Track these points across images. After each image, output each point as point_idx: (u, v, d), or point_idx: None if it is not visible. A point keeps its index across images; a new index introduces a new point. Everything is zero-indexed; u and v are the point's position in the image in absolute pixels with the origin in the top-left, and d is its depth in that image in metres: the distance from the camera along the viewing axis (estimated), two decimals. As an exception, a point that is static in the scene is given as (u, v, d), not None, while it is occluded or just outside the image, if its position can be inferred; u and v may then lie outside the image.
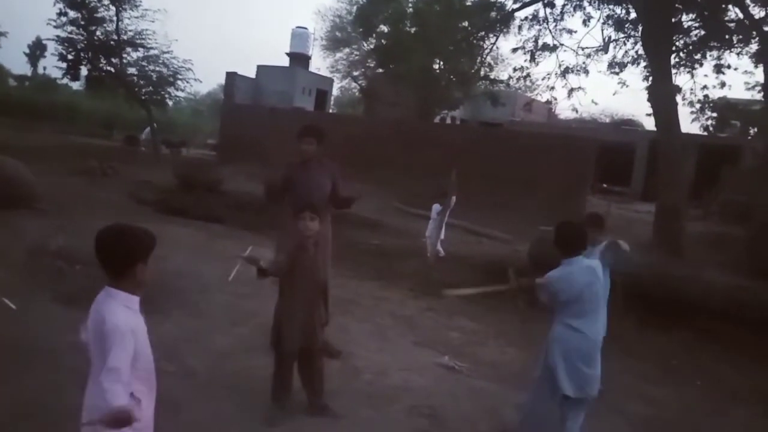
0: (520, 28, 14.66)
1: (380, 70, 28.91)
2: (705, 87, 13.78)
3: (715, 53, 13.09)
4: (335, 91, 41.43)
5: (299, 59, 34.17)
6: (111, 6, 22.94)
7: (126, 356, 2.11)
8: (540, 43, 14.42)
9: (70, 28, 22.87)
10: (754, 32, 11.80)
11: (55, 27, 22.73)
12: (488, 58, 19.21)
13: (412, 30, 22.04)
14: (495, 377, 5.10)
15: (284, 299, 3.85)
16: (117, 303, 2.18)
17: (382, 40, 25.45)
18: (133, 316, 2.21)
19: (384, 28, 25.13)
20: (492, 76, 22.73)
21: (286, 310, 3.82)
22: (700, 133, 24.23)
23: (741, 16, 11.93)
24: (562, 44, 14.35)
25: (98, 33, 23.27)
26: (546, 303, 3.92)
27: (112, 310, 2.16)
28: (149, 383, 2.30)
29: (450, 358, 5.39)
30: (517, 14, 14.59)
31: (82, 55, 23.37)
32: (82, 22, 22.83)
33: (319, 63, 68.82)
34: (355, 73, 36.67)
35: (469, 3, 14.88)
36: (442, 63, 24.07)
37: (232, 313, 5.81)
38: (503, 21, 14.51)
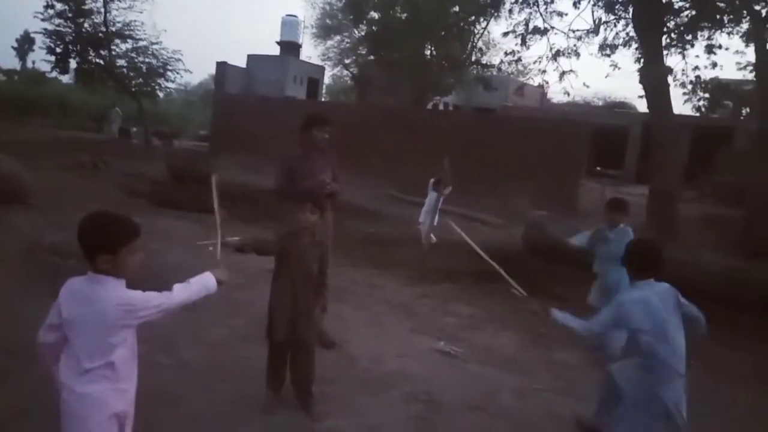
0: (510, 11, 14.62)
1: (372, 57, 28.81)
2: (696, 68, 13.78)
3: (706, 33, 13.08)
4: (327, 80, 41.37)
5: (290, 48, 34.06)
6: (98, -3, 22.75)
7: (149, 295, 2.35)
8: (531, 26, 14.38)
9: (57, 20, 22.71)
10: (745, 11, 11.77)
11: (43, 20, 22.56)
12: (480, 43, 19.16)
13: (403, 16, 21.94)
14: (491, 361, 5.12)
15: (274, 289, 3.85)
16: (116, 285, 2.25)
17: (373, 27, 25.34)
18: None
19: (375, 15, 25.00)
20: (484, 61, 22.69)
21: (275, 300, 3.82)
22: (693, 114, 24.31)
23: (732, -5, 11.90)
24: (552, 27, 14.32)
25: (86, 25, 23.10)
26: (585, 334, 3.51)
27: (120, 292, 2.25)
28: (133, 358, 2.39)
29: (446, 343, 5.41)
30: (507, -3, 14.53)
31: (70, 47, 23.20)
32: (70, 15, 22.65)
33: (310, 51, 68.64)
34: (347, 61, 36.49)
35: (459, -13, 14.82)
36: (433, 49, 23.99)
37: (226, 304, 5.80)
38: (494, 5, 14.44)
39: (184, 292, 2.49)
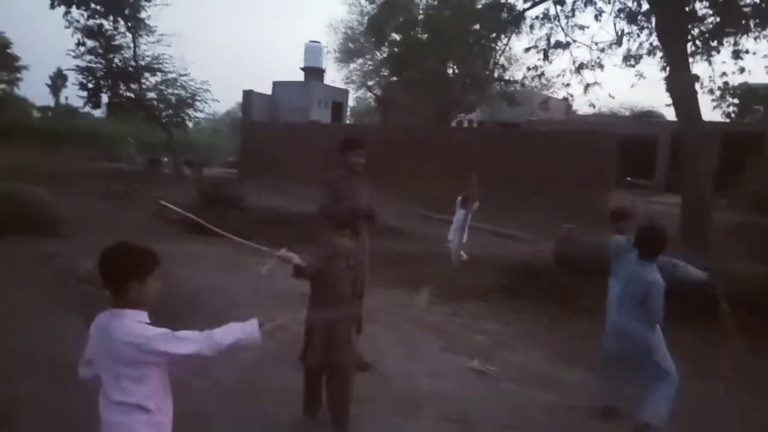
0: (531, 27, 14.57)
1: (394, 78, 29.02)
2: (724, 74, 13.55)
3: (731, 39, 12.88)
4: (351, 102, 41.70)
5: (314, 73, 34.48)
6: (127, 33, 23.48)
7: (179, 335, 2.19)
8: (552, 41, 14.30)
9: (89, 57, 23.53)
10: (771, 15, 11.59)
11: (75, 57, 23.38)
12: (501, 59, 19.18)
13: (424, 36, 22.09)
14: (523, 379, 5.06)
15: (311, 313, 3.85)
16: (129, 320, 2.19)
17: (395, 48, 25.57)
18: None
19: (396, 37, 25.25)
20: (506, 77, 22.69)
21: (311, 324, 3.82)
22: (723, 120, 23.92)
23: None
24: (575, 40, 14.22)
25: (116, 60, 23.83)
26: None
27: (131, 326, 2.17)
28: (166, 390, 2.33)
29: (480, 362, 5.35)
30: (527, 14, 14.52)
31: (102, 82, 23.94)
32: (101, 51, 23.40)
33: (334, 75, 69.58)
34: (370, 83, 36.87)
35: (479, 6, 14.84)
36: (455, 67, 24.10)
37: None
38: (514, 21, 14.45)
39: (227, 336, 2.27)
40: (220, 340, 2.23)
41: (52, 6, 22.26)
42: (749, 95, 16.69)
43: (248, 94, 29.88)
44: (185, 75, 24.70)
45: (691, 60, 12.46)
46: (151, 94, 24.84)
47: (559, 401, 4.62)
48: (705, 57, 13.36)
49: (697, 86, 12.65)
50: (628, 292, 4.22)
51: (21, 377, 4.20)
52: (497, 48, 16.66)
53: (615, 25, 13.76)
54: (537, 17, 14.43)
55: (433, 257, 10.15)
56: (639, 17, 13.36)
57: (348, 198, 4.83)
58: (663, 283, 4.06)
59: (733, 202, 18.16)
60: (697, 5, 12.38)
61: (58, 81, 57.01)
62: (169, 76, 24.64)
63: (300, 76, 34.66)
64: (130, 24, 23.19)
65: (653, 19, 12.57)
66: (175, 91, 24.86)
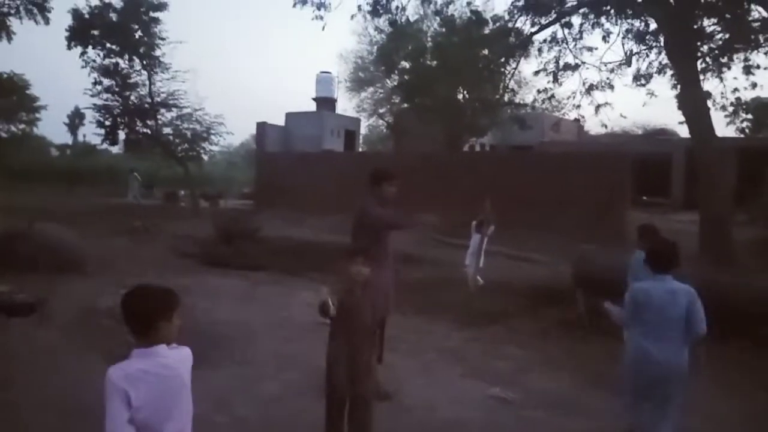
0: (540, 50, 14.68)
1: (405, 105, 29.27)
2: (736, 89, 13.53)
3: (741, 55, 12.89)
4: (363, 130, 42.10)
5: (326, 103, 34.96)
6: (143, 71, 23.97)
7: None
8: (561, 63, 14.38)
9: (105, 95, 23.98)
10: (780, 29, 11.59)
11: (92, 96, 23.86)
12: (511, 83, 19.24)
13: (433, 63, 22.29)
14: (546, 405, 4.99)
15: (332, 346, 3.84)
16: (170, 352, 2.30)
17: (405, 76, 25.82)
18: None
19: (405, 64, 25.52)
20: (517, 100, 22.75)
21: (333, 357, 3.81)
22: (737, 136, 23.78)
23: (765, 14, 11.75)
24: (583, 62, 14.29)
25: (132, 98, 24.30)
26: (620, 321, 4.23)
27: (178, 354, 2.33)
28: None
29: (501, 389, 5.30)
30: (535, 37, 14.62)
31: (118, 120, 24.36)
32: (117, 89, 23.89)
33: (345, 104, 70.08)
34: (381, 111, 37.21)
35: (486, 31, 14.96)
36: (466, 92, 24.27)
37: (279, 358, 5.85)
38: (522, 45, 14.55)
39: None
40: None
41: (69, 47, 22.89)
42: (763, 110, 16.59)
43: (262, 126, 30.32)
44: (200, 109, 25.06)
45: (702, 77, 12.47)
46: (167, 130, 25.20)
47: (583, 427, 4.55)
48: (716, 74, 13.36)
49: (709, 103, 12.64)
50: (663, 312, 3.83)
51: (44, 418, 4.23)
52: (506, 72, 16.73)
53: (623, 45, 13.82)
54: (545, 40, 14.54)
55: (450, 283, 10.11)
56: (647, 37, 13.42)
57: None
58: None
59: (752, 217, 17.96)
60: (705, 22, 12.42)
61: (75, 119, 58.28)
62: (185, 111, 25.00)
63: (312, 107, 35.13)
64: (145, 62, 23.69)
65: (662, 38, 12.62)
66: (191, 126, 25.19)
